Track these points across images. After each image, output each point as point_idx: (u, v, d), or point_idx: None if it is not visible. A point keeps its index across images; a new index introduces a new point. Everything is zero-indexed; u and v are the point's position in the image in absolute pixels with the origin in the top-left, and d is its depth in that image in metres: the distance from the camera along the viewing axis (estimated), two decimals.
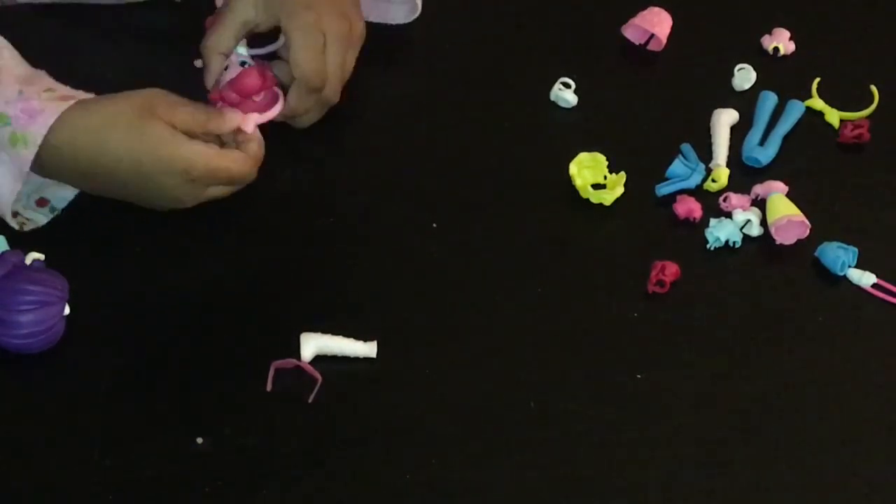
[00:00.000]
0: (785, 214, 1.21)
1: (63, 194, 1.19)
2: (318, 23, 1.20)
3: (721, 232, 1.21)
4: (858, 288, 1.19)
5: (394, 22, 1.34)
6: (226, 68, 1.24)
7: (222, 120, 1.18)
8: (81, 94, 1.15)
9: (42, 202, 1.18)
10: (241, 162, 1.17)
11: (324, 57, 1.21)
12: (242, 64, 1.24)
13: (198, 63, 1.26)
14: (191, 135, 1.15)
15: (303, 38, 1.20)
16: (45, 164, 1.13)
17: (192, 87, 1.21)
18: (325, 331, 1.12)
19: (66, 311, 1.11)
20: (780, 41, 1.36)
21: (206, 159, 1.14)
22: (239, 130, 1.18)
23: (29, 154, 1.11)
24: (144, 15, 1.34)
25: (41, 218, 1.18)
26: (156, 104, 1.14)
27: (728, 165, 1.26)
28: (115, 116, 1.13)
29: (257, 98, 1.21)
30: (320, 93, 1.22)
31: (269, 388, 1.10)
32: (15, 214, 1.16)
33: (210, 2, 1.31)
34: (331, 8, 1.22)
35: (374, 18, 1.33)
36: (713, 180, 1.25)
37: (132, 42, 1.27)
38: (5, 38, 1.17)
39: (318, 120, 1.25)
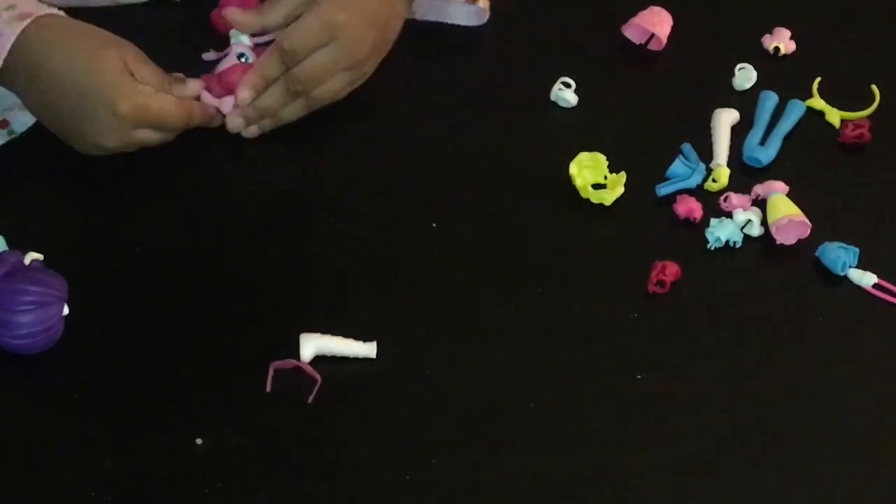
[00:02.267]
0: (785, 214, 1.20)
1: (23, 119, 1.23)
2: (334, 22, 1.21)
3: (722, 232, 1.21)
4: (859, 288, 1.19)
5: (453, 21, 1.35)
6: (225, 56, 1.26)
7: (184, 87, 1.21)
8: (43, 8, 1.18)
9: (3, 124, 1.23)
10: (173, 106, 1.18)
11: (312, 42, 1.21)
12: (239, 56, 1.25)
13: (207, 56, 1.26)
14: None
15: (307, 20, 1.21)
16: (4, 79, 1.18)
17: None
18: (324, 331, 1.12)
19: (66, 311, 1.11)
20: (781, 41, 1.36)
21: (136, 95, 1.16)
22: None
23: None
24: (144, 15, 1.34)
25: None
26: (125, 49, 1.17)
27: (728, 165, 1.26)
28: (77, 36, 1.17)
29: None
30: (288, 68, 1.22)
31: (268, 388, 1.10)
32: None
33: (210, 1, 1.32)
34: (362, 25, 1.23)
35: (430, 17, 1.34)
36: (714, 180, 1.25)
37: (133, 42, 1.26)
38: None
39: (299, 117, 1.26)
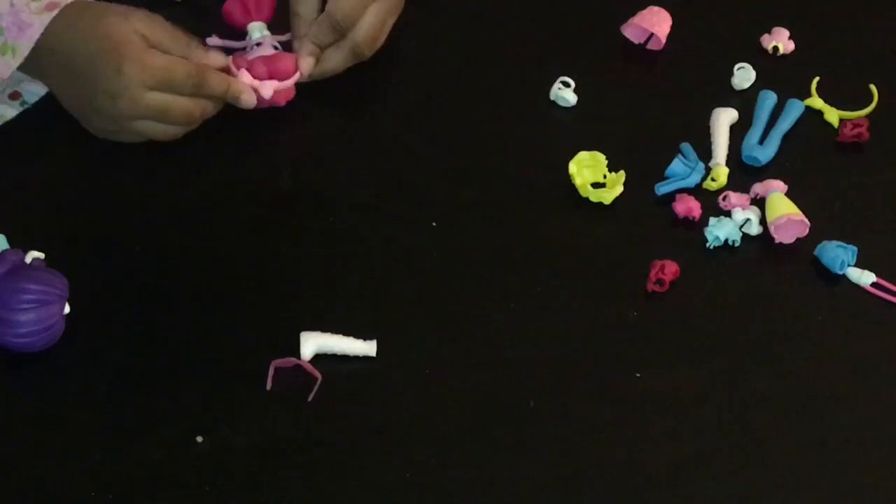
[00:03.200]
0: (784, 213, 1.21)
1: (35, 89, 1.26)
2: None
3: (720, 231, 1.21)
4: (858, 287, 1.19)
5: None
6: (257, 45, 1.27)
7: (205, 55, 1.22)
8: None
9: (15, 95, 1.25)
10: (180, 64, 1.18)
11: (362, 8, 1.24)
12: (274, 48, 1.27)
13: (210, 41, 1.27)
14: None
15: None
16: (31, 66, 1.20)
17: None
18: (324, 330, 1.13)
19: (67, 309, 1.11)
20: (780, 40, 1.36)
21: (142, 53, 1.16)
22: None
23: (14, 63, 1.18)
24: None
25: (10, 111, 1.25)
26: (138, 17, 1.19)
27: (727, 164, 1.26)
28: (93, 13, 1.18)
29: (280, 84, 1.24)
30: (342, 35, 1.25)
31: (269, 386, 1.10)
32: None
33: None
34: None
35: None
36: (713, 179, 1.25)
37: None
38: None
39: (343, 69, 1.28)
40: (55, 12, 1.17)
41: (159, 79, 1.17)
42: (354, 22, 1.25)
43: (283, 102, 1.26)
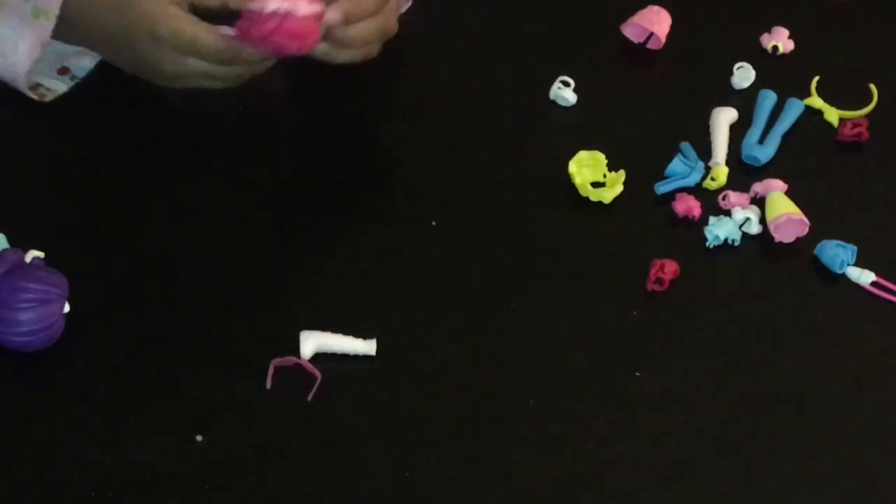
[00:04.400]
0: (784, 212, 1.21)
1: (83, 63, 1.26)
2: None
3: (720, 230, 1.21)
4: (857, 286, 1.19)
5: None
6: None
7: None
8: None
9: (64, 70, 1.26)
10: (205, 32, 1.16)
11: None
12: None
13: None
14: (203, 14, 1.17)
15: None
16: (63, 31, 1.20)
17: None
18: (324, 329, 1.13)
19: (66, 308, 1.11)
20: (780, 40, 1.36)
21: (171, 19, 1.15)
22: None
23: (49, 25, 1.18)
24: None
25: (61, 86, 1.25)
26: None
27: (727, 164, 1.26)
28: None
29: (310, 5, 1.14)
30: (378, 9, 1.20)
31: (268, 385, 1.10)
32: (36, 87, 1.24)
33: None
34: None
35: None
36: (712, 178, 1.25)
37: None
38: None
39: (369, 45, 1.22)
40: None
41: (191, 50, 1.17)
42: None
43: (312, 35, 1.14)
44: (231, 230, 1.22)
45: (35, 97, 1.24)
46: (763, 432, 1.10)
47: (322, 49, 1.19)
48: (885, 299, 1.19)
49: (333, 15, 1.16)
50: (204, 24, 1.17)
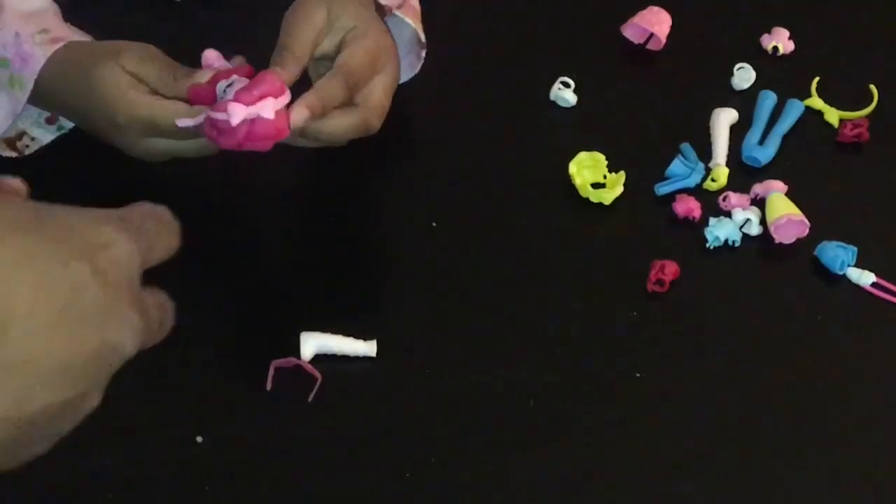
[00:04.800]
0: (784, 213, 1.21)
1: None
2: (374, 48, 1.15)
3: (720, 231, 1.21)
4: (858, 287, 1.19)
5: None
6: (228, 87, 1.11)
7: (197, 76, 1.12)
8: (76, 35, 1.18)
9: (51, 119, 1.24)
10: (164, 111, 1.11)
11: (373, 68, 1.14)
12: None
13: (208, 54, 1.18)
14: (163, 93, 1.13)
15: (358, 43, 1.14)
16: (37, 101, 1.19)
17: None
18: (324, 330, 1.13)
19: None
20: (780, 40, 1.36)
21: (130, 106, 1.12)
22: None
23: (22, 97, 1.17)
24: (144, 14, 1.35)
25: (47, 136, 1.23)
26: (125, 56, 1.13)
27: (727, 165, 1.26)
28: (81, 54, 1.15)
29: (277, 102, 1.08)
30: (352, 93, 1.13)
31: (268, 386, 1.10)
32: (21, 135, 1.22)
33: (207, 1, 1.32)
34: (387, 44, 1.17)
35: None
36: (713, 179, 1.25)
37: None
38: None
39: (347, 138, 1.14)
40: (58, 45, 1.15)
41: (152, 133, 1.13)
42: (365, 74, 1.13)
43: (284, 132, 1.09)
44: (231, 231, 1.22)
45: (14, 154, 1.22)
46: (763, 432, 1.10)
47: (296, 141, 1.13)
48: (885, 300, 1.19)
49: (299, 115, 1.09)
50: (160, 105, 1.11)
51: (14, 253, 0.63)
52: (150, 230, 0.72)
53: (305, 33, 1.14)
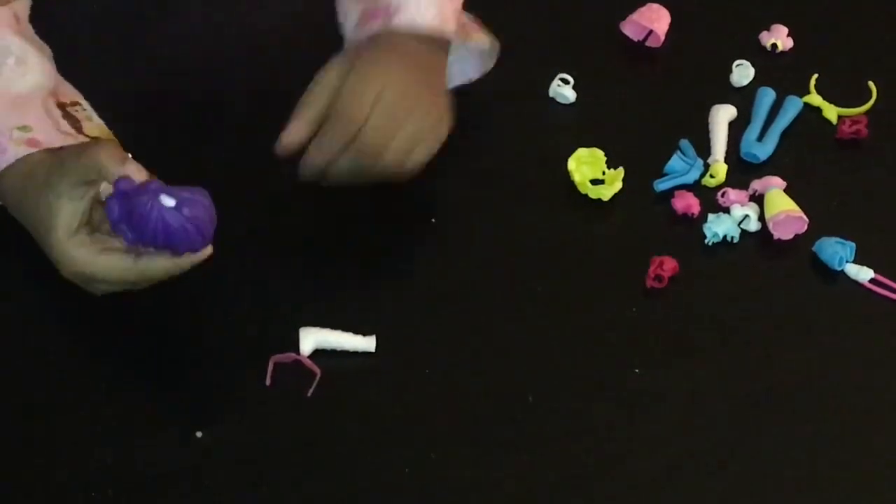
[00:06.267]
0: (783, 210, 1.21)
1: None
2: (377, 77, 1.15)
3: (719, 227, 1.21)
4: (856, 283, 1.19)
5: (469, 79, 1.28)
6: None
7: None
8: (54, 135, 1.13)
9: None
10: (107, 271, 1.08)
11: (367, 102, 1.14)
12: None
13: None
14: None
15: (353, 79, 1.15)
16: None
17: None
18: (324, 325, 1.13)
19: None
20: (779, 37, 1.36)
21: (72, 264, 1.08)
22: None
23: None
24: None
25: None
26: (72, 173, 1.08)
27: (726, 161, 1.27)
28: (45, 176, 1.09)
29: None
30: (352, 137, 1.15)
31: (268, 382, 1.10)
32: None
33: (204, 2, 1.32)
34: (413, 81, 1.18)
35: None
36: (711, 176, 1.25)
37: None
38: None
39: (352, 178, 1.17)
40: (33, 150, 1.11)
41: (96, 284, 1.09)
42: (361, 114, 1.14)
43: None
44: (231, 227, 1.21)
45: None
46: (762, 429, 1.10)
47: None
48: (883, 296, 1.19)
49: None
50: (103, 260, 1.07)
51: None
52: None
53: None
